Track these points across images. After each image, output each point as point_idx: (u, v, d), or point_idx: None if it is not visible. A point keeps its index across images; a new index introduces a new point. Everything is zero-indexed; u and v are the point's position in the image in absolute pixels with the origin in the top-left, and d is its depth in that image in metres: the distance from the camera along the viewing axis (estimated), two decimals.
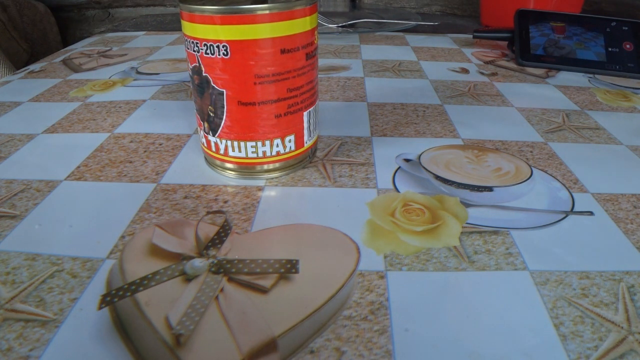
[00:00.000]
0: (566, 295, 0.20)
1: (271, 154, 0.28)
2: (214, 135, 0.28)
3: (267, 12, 0.23)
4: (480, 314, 0.19)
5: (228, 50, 0.24)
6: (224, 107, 0.26)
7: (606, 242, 0.24)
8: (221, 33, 0.24)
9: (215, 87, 0.26)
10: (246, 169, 0.28)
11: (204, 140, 0.29)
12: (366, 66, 0.52)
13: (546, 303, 0.20)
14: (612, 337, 0.18)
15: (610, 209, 0.26)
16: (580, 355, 0.17)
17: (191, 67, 0.26)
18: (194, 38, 0.25)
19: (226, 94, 0.26)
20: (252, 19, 0.23)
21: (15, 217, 0.25)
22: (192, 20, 0.24)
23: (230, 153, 0.28)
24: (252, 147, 0.27)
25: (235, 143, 0.27)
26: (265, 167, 0.28)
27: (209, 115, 0.27)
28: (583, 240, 0.24)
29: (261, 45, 0.24)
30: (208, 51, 0.25)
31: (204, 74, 0.26)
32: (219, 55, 0.24)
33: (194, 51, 0.25)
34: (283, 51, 0.25)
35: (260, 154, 0.28)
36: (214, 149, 0.28)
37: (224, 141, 0.27)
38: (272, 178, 0.29)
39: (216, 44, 0.24)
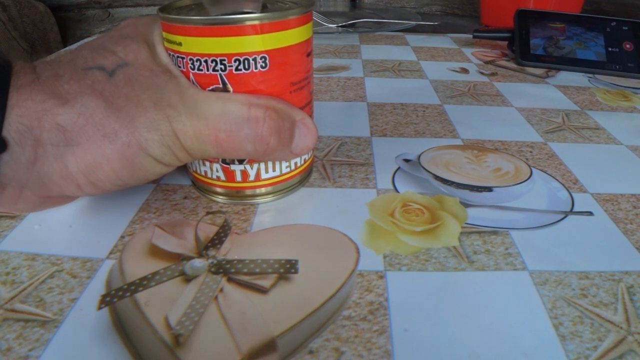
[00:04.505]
0: (565, 295, 0.20)
1: (301, 162, 0.27)
2: (241, 163, 0.24)
3: (296, 16, 0.22)
4: (480, 314, 0.19)
5: (267, 61, 0.22)
6: None
7: (606, 242, 0.24)
8: (261, 43, 0.21)
9: None
10: (278, 187, 0.26)
11: (220, 174, 0.25)
12: (366, 66, 0.52)
13: (545, 303, 0.20)
14: (611, 338, 0.18)
15: (609, 209, 0.26)
16: (579, 356, 0.17)
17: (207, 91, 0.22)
18: (219, 55, 0.21)
19: None
20: (287, 24, 0.22)
21: (15, 217, 0.25)
22: (215, 34, 0.21)
23: (264, 176, 0.25)
24: (286, 163, 0.25)
25: (270, 163, 0.25)
26: (294, 180, 0.27)
27: None
28: (582, 241, 0.24)
29: (296, 50, 0.23)
30: (240, 67, 0.21)
31: None
32: (256, 68, 0.22)
33: (215, 71, 0.21)
34: (308, 54, 0.24)
35: (293, 166, 0.26)
36: (239, 178, 0.25)
37: (255, 165, 0.25)
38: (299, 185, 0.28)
39: (252, 57, 0.21)
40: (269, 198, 0.26)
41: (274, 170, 0.25)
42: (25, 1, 0.93)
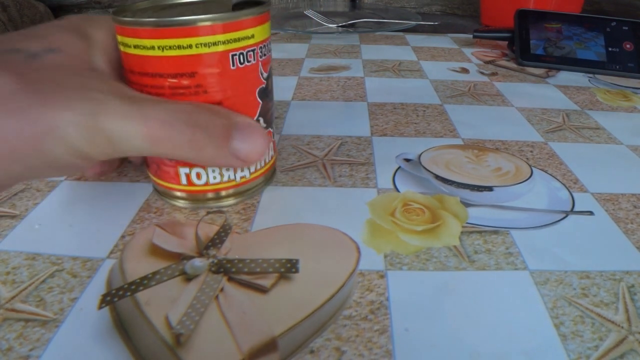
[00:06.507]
0: (566, 295, 0.20)
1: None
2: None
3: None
4: (480, 314, 0.19)
5: (269, 46, 0.24)
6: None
7: (606, 242, 0.24)
8: (268, 30, 0.24)
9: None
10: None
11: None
12: (366, 66, 0.52)
13: (546, 303, 0.20)
14: (612, 337, 0.18)
15: (610, 208, 0.26)
16: (580, 355, 0.17)
17: (265, 76, 0.24)
18: (259, 43, 0.23)
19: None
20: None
21: (15, 217, 0.25)
22: (257, 24, 0.22)
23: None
24: None
25: None
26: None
27: (271, 120, 0.26)
28: (583, 240, 0.24)
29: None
30: (266, 52, 0.24)
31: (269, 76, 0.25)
32: (269, 53, 0.24)
33: (260, 57, 0.23)
34: None
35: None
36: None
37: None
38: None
39: (267, 43, 0.24)
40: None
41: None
42: (25, 1, 0.93)
